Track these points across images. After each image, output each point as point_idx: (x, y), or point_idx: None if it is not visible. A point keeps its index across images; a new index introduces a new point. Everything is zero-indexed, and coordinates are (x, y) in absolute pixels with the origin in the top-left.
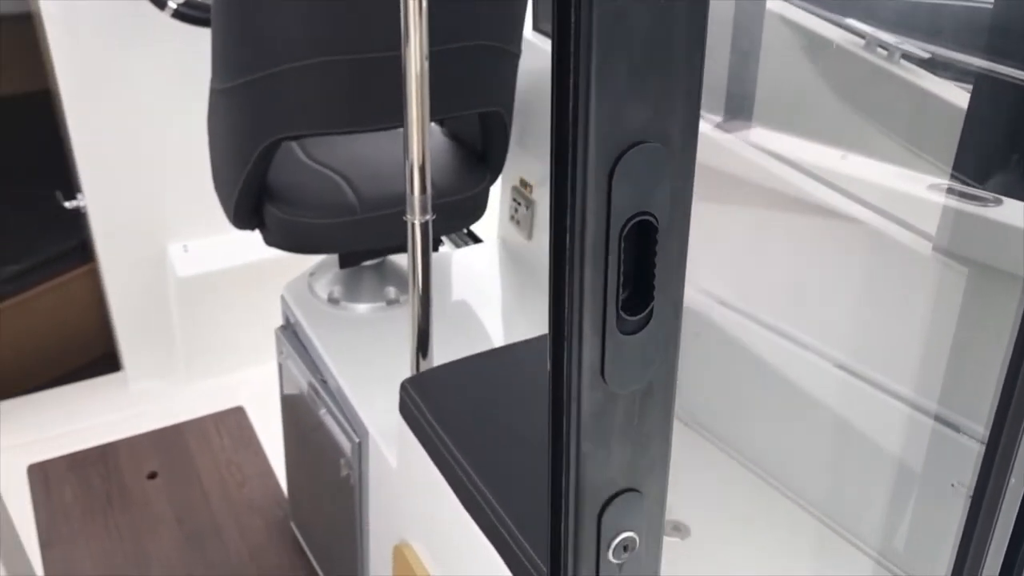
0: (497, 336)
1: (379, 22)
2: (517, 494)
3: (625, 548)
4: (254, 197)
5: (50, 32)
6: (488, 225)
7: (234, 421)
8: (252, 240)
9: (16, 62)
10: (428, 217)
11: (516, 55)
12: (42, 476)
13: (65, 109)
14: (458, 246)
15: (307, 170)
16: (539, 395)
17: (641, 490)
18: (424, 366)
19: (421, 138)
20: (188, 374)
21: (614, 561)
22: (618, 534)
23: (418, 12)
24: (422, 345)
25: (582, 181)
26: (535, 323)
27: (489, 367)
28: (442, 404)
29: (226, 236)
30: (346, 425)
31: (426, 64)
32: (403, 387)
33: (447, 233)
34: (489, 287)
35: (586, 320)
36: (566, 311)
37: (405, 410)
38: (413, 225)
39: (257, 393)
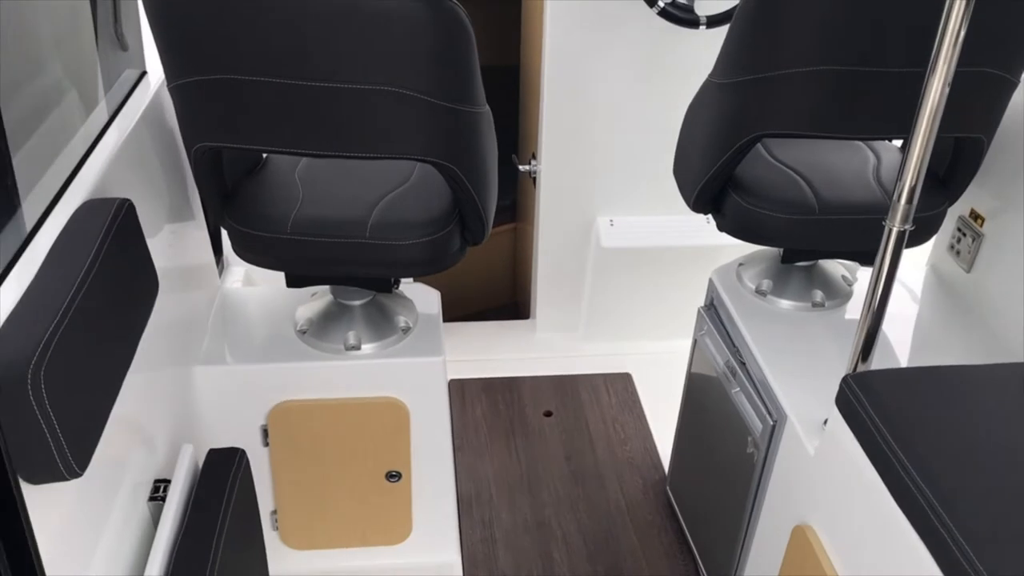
0: (914, 356)
1: (896, 38)
2: (968, 508)
3: None
4: (719, 185)
5: (548, 12)
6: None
7: (621, 384)
8: (672, 225)
9: (492, 38)
10: (907, 227)
11: (1015, 84)
12: (460, 391)
13: (543, 82)
14: None
15: (771, 168)
16: (1012, 421)
17: None
18: (861, 368)
19: (923, 153)
20: (586, 334)
21: None
22: None
23: (954, 37)
24: (867, 347)
25: None
26: (958, 351)
27: (944, 381)
28: (887, 405)
29: (648, 218)
30: (761, 407)
31: (947, 88)
32: (845, 381)
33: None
34: (907, 310)
35: None
36: None
37: (844, 404)
38: (891, 231)
39: (645, 364)
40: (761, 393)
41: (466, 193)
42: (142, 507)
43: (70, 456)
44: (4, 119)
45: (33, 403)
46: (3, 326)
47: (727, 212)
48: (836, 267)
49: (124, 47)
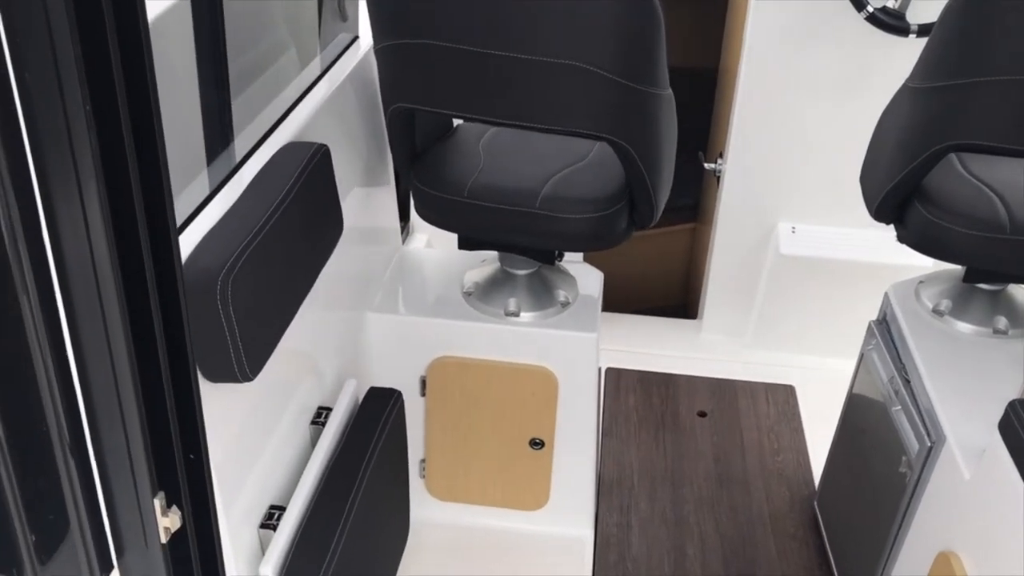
0: None
1: None
2: None
3: None
4: (904, 194)
5: (751, 14)
6: None
7: (783, 396)
8: (855, 238)
9: (695, 40)
10: None
11: None
12: (615, 379)
13: (739, 82)
14: None
15: (963, 181)
16: None
17: None
18: None
19: None
20: (753, 340)
21: None
22: None
23: None
24: None
25: None
26: None
27: None
28: None
29: (831, 228)
30: (920, 427)
31: None
32: (1011, 406)
33: None
34: None
35: None
36: None
37: (1008, 429)
38: None
39: (811, 379)
40: (922, 413)
41: (638, 173)
42: (304, 428)
43: (245, 361)
44: (228, 68)
45: (219, 308)
46: (203, 240)
47: (910, 223)
48: None
49: (344, 18)
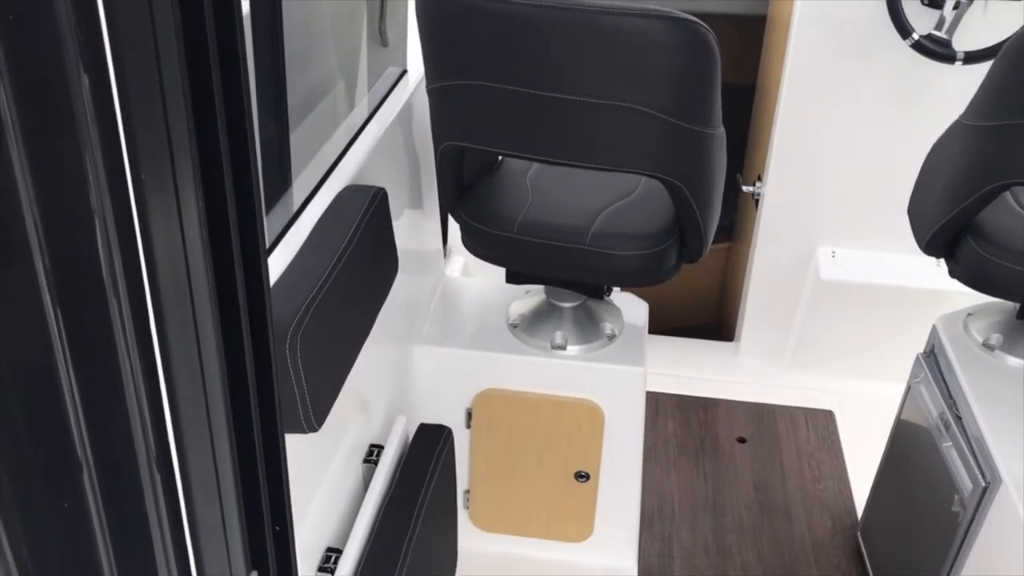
0: None
1: None
2: None
3: None
4: (956, 230)
5: (794, 35)
6: None
7: (823, 421)
8: (897, 263)
9: (731, 56)
10: None
11: None
12: (654, 403)
13: (779, 105)
14: None
15: (1017, 217)
16: None
17: None
18: None
19: None
20: (791, 364)
21: None
22: None
23: None
24: None
25: None
26: None
27: None
28: None
29: (873, 253)
30: (973, 466)
31: None
32: None
33: None
34: None
35: None
36: None
37: None
38: None
39: (850, 404)
40: (975, 451)
41: (690, 211)
42: (356, 467)
43: (312, 413)
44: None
45: (289, 362)
46: (273, 287)
47: (962, 259)
48: None
49: (385, 43)
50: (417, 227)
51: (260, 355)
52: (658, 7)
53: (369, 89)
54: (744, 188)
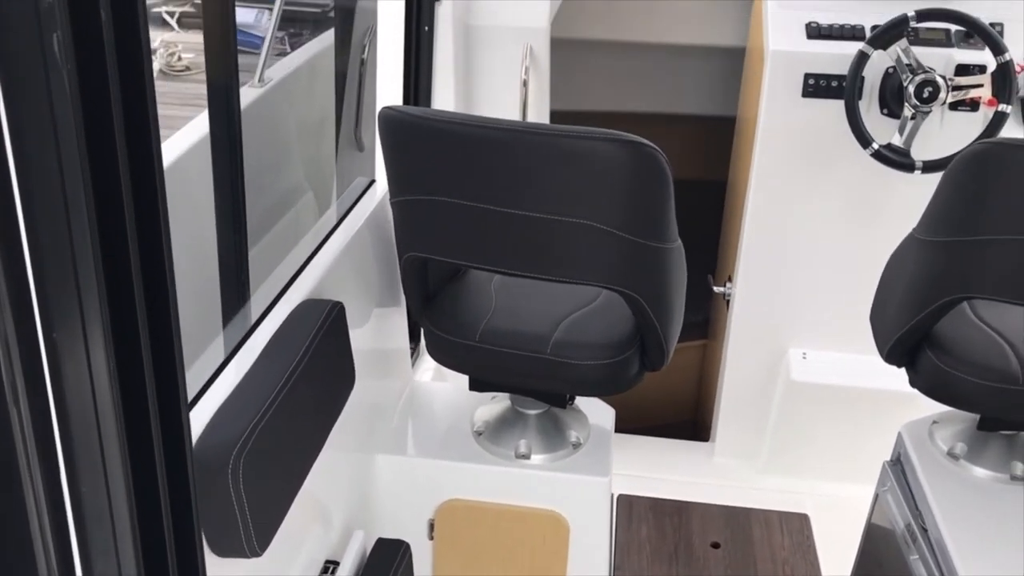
0: None
1: None
2: None
3: None
4: (914, 340)
5: (759, 142)
6: None
7: (797, 525)
8: (870, 365)
9: (703, 154)
10: None
11: None
12: (627, 507)
13: (747, 209)
14: None
15: (974, 328)
16: None
17: None
18: None
19: None
20: (766, 466)
21: None
22: None
23: None
24: None
25: None
26: None
27: None
28: None
29: (844, 354)
30: None
31: None
32: None
33: None
34: None
35: None
36: None
37: None
38: None
39: (825, 507)
40: (941, 566)
41: (649, 322)
42: None
43: (254, 538)
44: (247, 217)
45: (231, 488)
46: (216, 413)
47: (921, 369)
48: None
49: (360, 148)
50: (384, 332)
51: (176, 477)
52: (611, 131)
53: (338, 196)
54: (715, 289)
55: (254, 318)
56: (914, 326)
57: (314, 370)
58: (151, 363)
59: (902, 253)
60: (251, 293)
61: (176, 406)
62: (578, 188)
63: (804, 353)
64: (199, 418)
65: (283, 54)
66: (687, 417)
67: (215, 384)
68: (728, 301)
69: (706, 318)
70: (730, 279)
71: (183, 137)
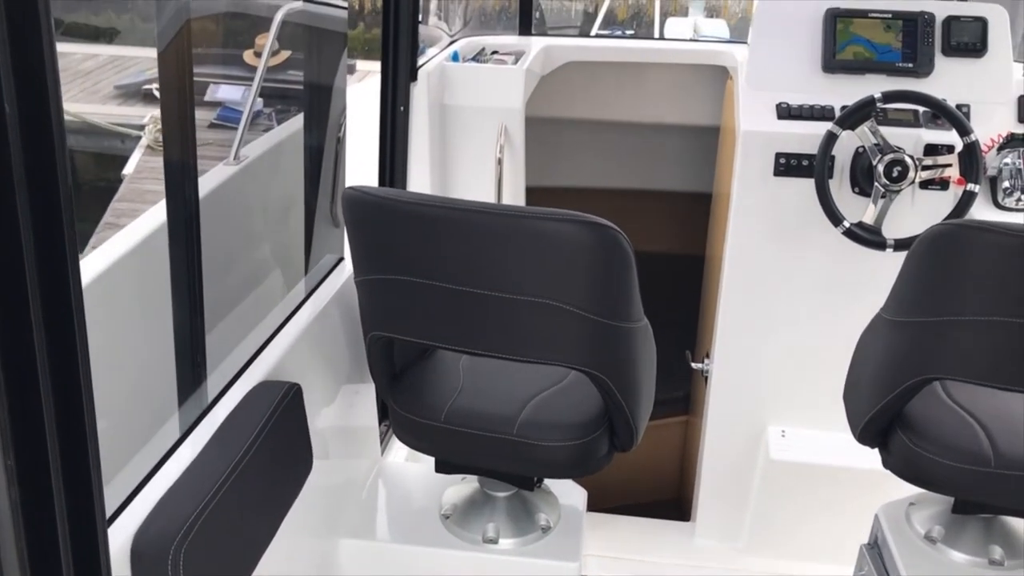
0: None
1: None
2: None
3: None
4: (886, 421)
5: (732, 222)
6: None
7: None
8: (849, 444)
9: (683, 229)
10: None
11: None
12: None
13: (721, 286)
14: None
15: (946, 409)
16: None
17: None
18: None
19: None
20: (747, 546)
21: None
22: None
23: None
24: None
25: None
26: None
27: None
28: None
29: (823, 432)
30: None
31: None
32: None
33: None
34: None
35: None
36: None
37: None
38: None
39: None
40: None
41: (616, 402)
42: None
43: None
44: (204, 300)
45: None
46: (161, 500)
47: (893, 450)
48: (1021, 522)
49: (336, 224)
50: (349, 413)
51: None
52: (573, 212)
53: (307, 272)
54: (693, 365)
55: (210, 398)
56: (884, 407)
57: (266, 454)
58: (60, 473)
59: (871, 333)
60: (208, 373)
61: (91, 521)
62: (541, 268)
63: (783, 431)
64: (143, 504)
65: (270, 130)
66: (671, 495)
67: (167, 464)
68: (707, 378)
69: (687, 394)
70: (708, 355)
71: (151, 218)
